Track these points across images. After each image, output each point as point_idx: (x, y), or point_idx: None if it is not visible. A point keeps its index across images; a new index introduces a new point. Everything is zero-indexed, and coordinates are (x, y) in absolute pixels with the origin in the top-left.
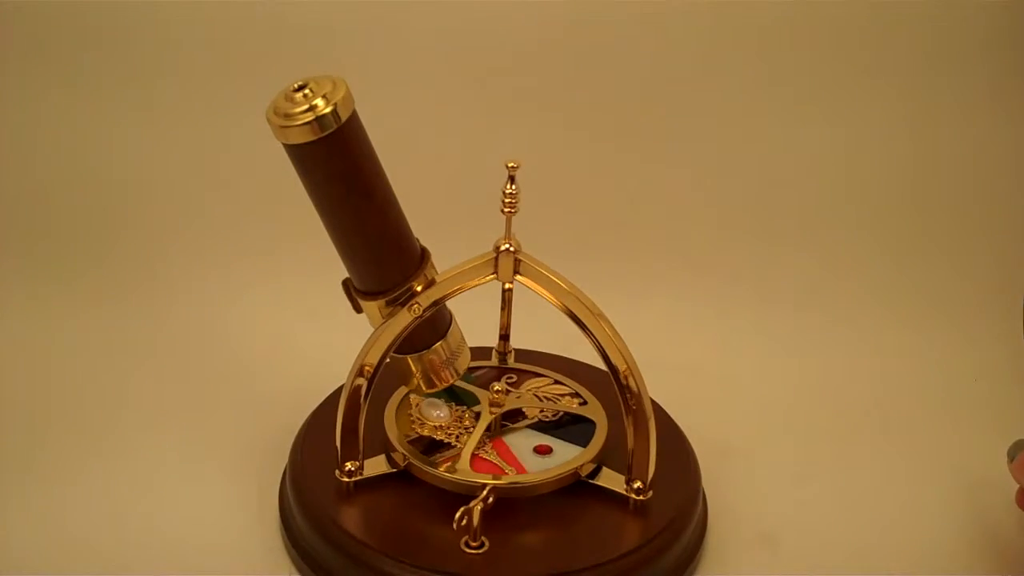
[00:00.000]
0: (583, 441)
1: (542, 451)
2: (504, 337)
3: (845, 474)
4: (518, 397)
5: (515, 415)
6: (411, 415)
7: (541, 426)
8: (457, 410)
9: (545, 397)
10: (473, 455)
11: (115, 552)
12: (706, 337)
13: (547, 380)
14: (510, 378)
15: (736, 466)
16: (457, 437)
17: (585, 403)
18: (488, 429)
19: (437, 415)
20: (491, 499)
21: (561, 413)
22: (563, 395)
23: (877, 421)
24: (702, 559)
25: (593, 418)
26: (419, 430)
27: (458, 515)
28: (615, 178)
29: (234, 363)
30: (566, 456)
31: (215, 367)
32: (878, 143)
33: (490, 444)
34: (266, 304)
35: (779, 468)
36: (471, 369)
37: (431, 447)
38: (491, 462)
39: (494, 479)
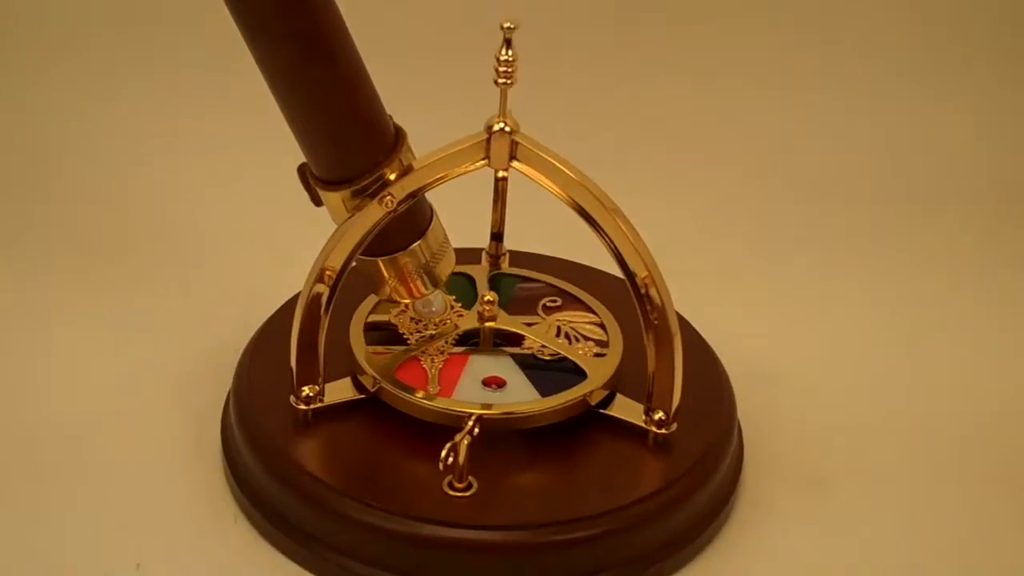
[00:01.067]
0: (550, 389)
1: (491, 383)
2: (496, 237)
3: (912, 408)
4: (531, 324)
5: (517, 340)
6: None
7: (525, 361)
8: (454, 307)
9: (568, 334)
10: (400, 363)
11: (31, 493)
12: (743, 239)
13: (589, 317)
14: (553, 300)
15: (779, 395)
16: (422, 335)
17: (604, 352)
18: (468, 342)
19: (428, 311)
20: (476, 430)
21: (562, 357)
22: (591, 338)
23: (947, 344)
24: (735, 505)
25: (603, 350)
26: (387, 316)
27: (444, 452)
28: (632, 44)
29: (168, 264)
30: (517, 398)
31: (145, 269)
32: None
33: (441, 358)
34: (207, 194)
35: (832, 399)
36: (524, 280)
37: (390, 339)
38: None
39: (483, 408)
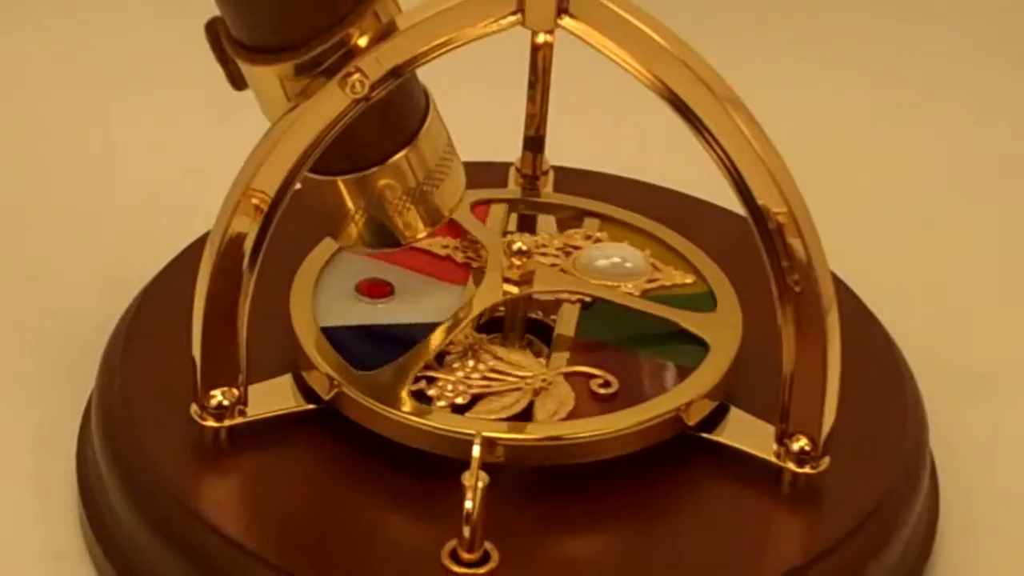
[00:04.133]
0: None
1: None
2: (534, 144)
3: None
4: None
5: (552, 307)
6: None
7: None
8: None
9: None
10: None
11: None
12: (931, 159)
13: (686, 280)
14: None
15: (993, 409)
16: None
17: (711, 308)
18: (481, 321)
19: None
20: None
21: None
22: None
23: None
24: None
25: (712, 315)
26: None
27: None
28: None
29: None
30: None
31: None
32: None
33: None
34: (50, 90)
35: None
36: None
37: None
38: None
39: (508, 429)
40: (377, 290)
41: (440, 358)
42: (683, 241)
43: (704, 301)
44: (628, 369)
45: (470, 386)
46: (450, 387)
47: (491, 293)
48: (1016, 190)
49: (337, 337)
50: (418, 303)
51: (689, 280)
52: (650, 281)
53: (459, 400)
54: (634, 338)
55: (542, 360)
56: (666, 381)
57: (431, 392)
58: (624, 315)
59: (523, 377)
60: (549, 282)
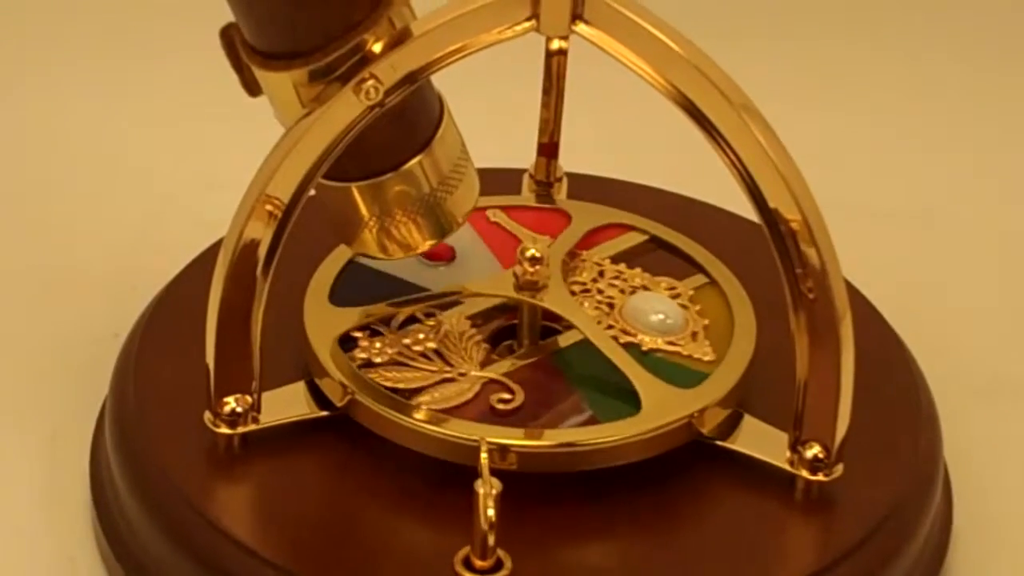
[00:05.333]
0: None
1: None
2: (548, 150)
3: None
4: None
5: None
6: None
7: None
8: None
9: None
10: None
11: None
12: (947, 164)
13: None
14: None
15: (1008, 416)
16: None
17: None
18: (494, 328)
19: None
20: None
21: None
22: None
23: None
24: None
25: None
26: None
27: (482, 508)
28: None
29: (9, 202)
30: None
31: None
32: None
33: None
34: (70, 101)
35: None
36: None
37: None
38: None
39: (524, 435)
40: (436, 254)
41: (412, 322)
42: (696, 247)
43: (694, 379)
44: (546, 398)
45: (397, 353)
46: (378, 345)
47: (494, 289)
48: None
49: (354, 273)
50: (463, 275)
51: (707, 358)
52: (671, 344)
53: (375, 359)
54: (587, 379)
55: (494, 360)
56: (567, 423)
57: (363, 343)
58: (602, 358)
59: (446, 366)
60: (554, 302)
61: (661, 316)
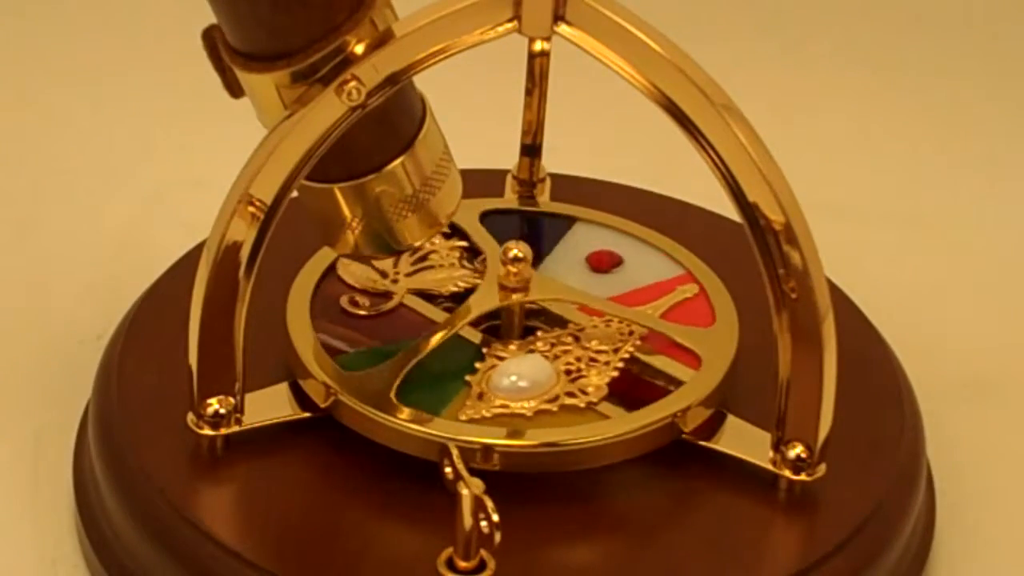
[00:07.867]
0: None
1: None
2: (531, 150)
3: None
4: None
5: (564, 324)
6: None
7: None
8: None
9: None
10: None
11: None
12: (929, 165)
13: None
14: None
15: (992, 413)
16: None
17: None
18: (482, 327)
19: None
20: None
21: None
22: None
23: None
24: None
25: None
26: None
27: (466, 513)
28: None
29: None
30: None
31: None
32: None
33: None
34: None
35: None
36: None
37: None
38: None
39: (508, 435)
40: (605, 261)
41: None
42: (679, 248)
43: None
44: None
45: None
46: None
47: (488, 299)
48: (1017, 198)
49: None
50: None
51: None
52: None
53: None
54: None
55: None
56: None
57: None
58: None
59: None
60: (545, 290)
61: (513, 379)
